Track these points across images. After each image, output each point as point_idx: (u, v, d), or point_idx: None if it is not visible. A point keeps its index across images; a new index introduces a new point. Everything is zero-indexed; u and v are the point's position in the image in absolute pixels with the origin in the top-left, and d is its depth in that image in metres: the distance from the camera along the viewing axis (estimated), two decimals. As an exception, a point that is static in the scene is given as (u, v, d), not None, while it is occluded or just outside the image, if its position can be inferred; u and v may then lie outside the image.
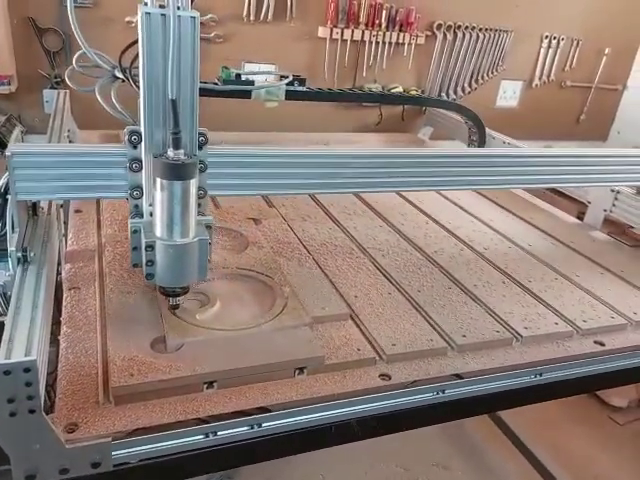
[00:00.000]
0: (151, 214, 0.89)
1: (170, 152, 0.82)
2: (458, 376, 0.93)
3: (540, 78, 2.65)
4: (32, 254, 0.87)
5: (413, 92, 2.41)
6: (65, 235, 1.18)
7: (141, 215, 0.92)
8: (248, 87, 1.25)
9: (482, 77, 2.52)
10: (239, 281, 1.07)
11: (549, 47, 2.60)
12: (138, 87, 0.85)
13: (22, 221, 0.90)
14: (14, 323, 0.73)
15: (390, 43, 2.27)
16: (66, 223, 1.24)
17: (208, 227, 0.92)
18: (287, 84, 1.29)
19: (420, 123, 2.42)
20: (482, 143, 1.84)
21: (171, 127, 0.82)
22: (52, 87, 2.02)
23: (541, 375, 1.01)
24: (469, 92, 2.53)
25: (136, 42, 0.86)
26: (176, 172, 0.81)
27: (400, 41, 2.28)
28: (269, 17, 2.05)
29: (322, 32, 2.14)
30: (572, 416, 2.24)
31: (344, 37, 2.16)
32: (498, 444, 2.00)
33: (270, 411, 0.81)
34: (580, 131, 2.87)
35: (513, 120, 2.57)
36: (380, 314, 1.04)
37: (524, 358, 1.00)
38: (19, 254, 0.86)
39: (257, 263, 1.13)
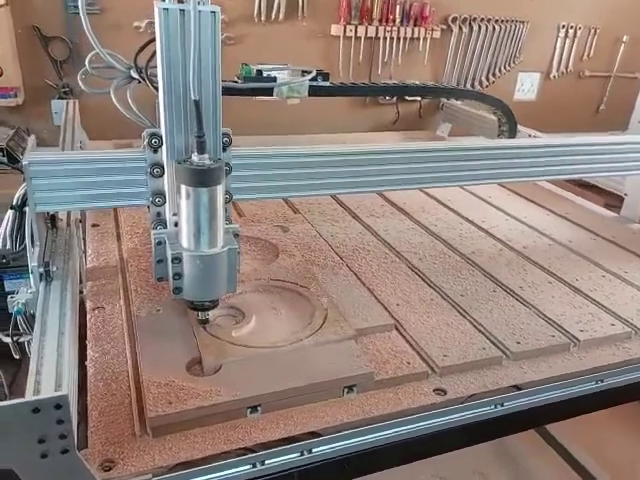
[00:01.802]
0: (175, 224, 0.83)
1: (194, 157, 0.76)
2: (517, 387, 0.86)
3: (558, 69, 2.57)
4: (54, 269, 0.81)
5: (429, 88, 2.34)
6: (84, 251, 1.12)
7: (164, 224, 0.86)
8: (271, 84, 1.19)
9: (499, 70, 2.45)
10: (273, 293, 1.00)
11: (566, 37, 2.53)
12: (156, 88, 0.79)
13: (42, 234, 0.84)
14: (40, 352, 0.67)
15: (405, 38, 2.20)
16: (84, 239, 1.17)
17: (236, 235, 0.85)
18: (310, 79, 1.22)
19: (438, 120, 2.34)
20: (513, 132, 1.75)
21: (194, 130, 0.76)
22: (60, 97, 1.96)
23: (602, 381, 0.94)
24: (487, 86, 2.45)
25: (152, 41, 0.80)
26: (202, 178, 0.75)
27: (415, 36, 2.21)
28: (280, 17, 1.99)
29: (335, 30, 2.08)
30: (616, 414, 2.14)
31: (358, 34, 2.10)
32: (537, 448, 1.92)
33: (321, 435, 0.74)
34: (600, 121, 2.79)
35: (532, 113, 2.48)
36: (425, 322, 0.97)
37: (584, 364, 0.92)
38: (41, 269, 0.80)
39: (290, 273, 1.06)
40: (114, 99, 1.00)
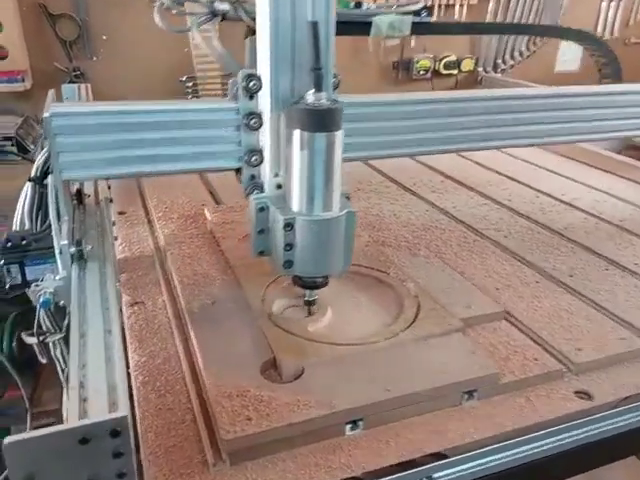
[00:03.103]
0: (279, 186, 0.67)
1: (309, 96, 0.60)
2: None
3: (602, 37, 2.38)
4: (88, 247, 0.64)
5: (468, 60, 2.16)
6: (115, 238, 0.95)
7: (260, 188, 0.70)
8: (373, 15, 0.98)
9: (540, 39, 2.26)
10: (346, 280, 0.83)
11: (610, 1, 2.34)
12: (253, 18, 0.62)
13: (68, 207, 0.67)
14: (81, 358, 0.50)
15: (440, 6, 2.03)
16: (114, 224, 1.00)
17: (347, 198, 0.69)
18: (414, 14, 1.03)
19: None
20: (618, 76, 1.53)
21: (311, 62, 0.59)
22: (71, 81, 1.79)
23: None
24: (527, 56, 2.27)
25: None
26: (321, 120, 0.60)
27: (450, 2, 2.03)
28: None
29: (368, -3, 1.90)
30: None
31: (392, 1, 1.92)
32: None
33: (446, 457, 0.57)
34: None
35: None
36: (538, 308, 0.79)
37: None
38: (72, 249, 0.63)
39: (360, 256, 0.88)
40: (198, 38, 0.82)
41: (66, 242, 0.62)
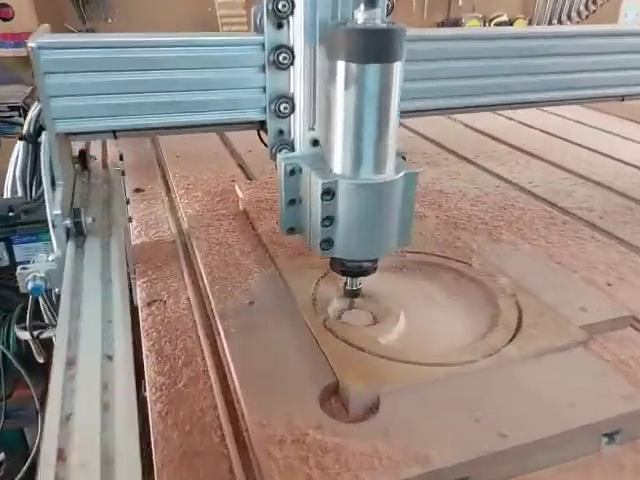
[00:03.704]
0: (314, 142, 0.50)
1: (359, 14, 0.42)
2: None
3: (670, -8, 2.12)
4: (90, 220, 0.48)
5: (520, 21, 1.93)
6: (129, 219, 0.79)
7: (290, 146, 0.53)
8: None
9: (602, -4, 2.03)
10: (416, 273, 0.65)
11: (681, -49, 2.07)
12: None
13: (68, 175, 0.51)
14: (66, 376, 0.34)
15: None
16: (127, 202, 0.84)
17: (403, 159, 0.53)
18: None
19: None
20: None
21: None
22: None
23: None
24: (586, 16, 2.03)
25: None
26: (376, 45, 0.43)
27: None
28: None
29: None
30: None
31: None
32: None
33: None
34: None
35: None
36: (672, 312, 0.61)
37: None
38: (68, 222, 0.47)
39: (429, 242, 0.71)
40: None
41: (59, 212, 0.47)
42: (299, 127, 0.52)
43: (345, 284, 0.57)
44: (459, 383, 0.48)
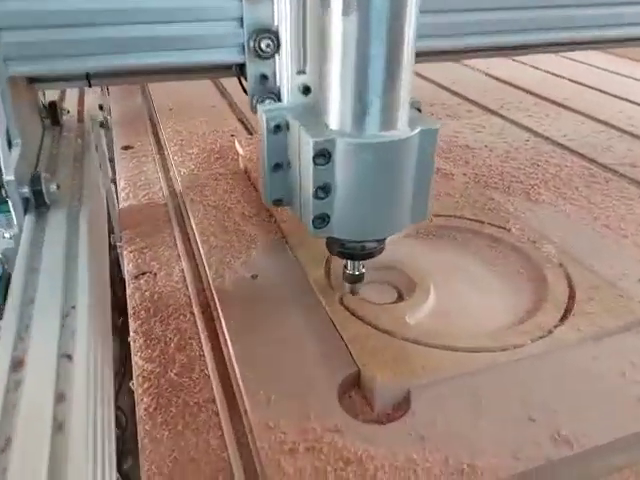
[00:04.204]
0: (305, 89, 0.40)
1: None
2: None
3: None
4: (53, 187, 0.39)
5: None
6: (114, 181, 0.70)
7: (275, 95, 0.43)
8: None
9: None
10: (445, 240, 0.57)
11: None
12: None
13: (31, 131, 0.42)
14: (17, 361, 0.26)
15: None
16: (111, 161, 0.75)
17: (419, 110, 0.43)
18: None
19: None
20: None
21: None
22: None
23: None
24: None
25: None
26: None
27: None
28: None
29: None
30: None
31: None
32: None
33: None
34: None
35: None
36: None
37: None
38: (25, 189, 0.38)
39: (459, 204, 0.62)
40: None
41: (12, 178, 0.38)
42: (286, 70, 0.42)
43: (345, 267, 0.47)
44: (507, 373, 0.40)
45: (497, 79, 1.16)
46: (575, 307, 0.45)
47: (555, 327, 0.43)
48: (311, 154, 0.36)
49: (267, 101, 0.44)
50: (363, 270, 0.47)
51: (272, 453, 0.34)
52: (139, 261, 0.57)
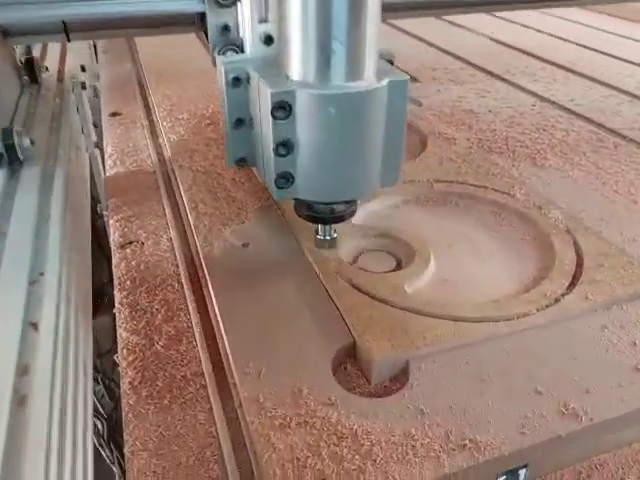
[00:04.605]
0: (269, 38, 0.38)
1: None
2: None
3: None
4: (27, 142, 0.37)
5: None
6: (98, 146, 0.67)
7: (238, 47, 0.40)
8: None
9: None
10: (447, 206, 0.54)
11: None
12: None
13: (9, 87, 0.39)
14: None
15: None
16: (96, 128, 0.72)
17: (390, 62, 0.40)
18: None
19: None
20: None
21: None
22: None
23: None
24: None
25: None
26: None
27: None
28: None
29: None
30: None
31: None
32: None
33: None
34: None
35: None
36: None
37: None
38: None
39: (460, 170, 0.59)
40: None
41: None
42: (248, 19, 0.39)
43: (316, 232, 0.45)
44: (512, 343, 0.37)
45: (501, 43, 1.12)
46: (583, 275, 0.43)
47: (562, 295, 0.41)
48: (269, 107, 0.34)
49: (228, 53, 0.41)
50: (335, 235, 0.45)
51: (262, 428, 0.32)
52: (125, 230, 0.54)
